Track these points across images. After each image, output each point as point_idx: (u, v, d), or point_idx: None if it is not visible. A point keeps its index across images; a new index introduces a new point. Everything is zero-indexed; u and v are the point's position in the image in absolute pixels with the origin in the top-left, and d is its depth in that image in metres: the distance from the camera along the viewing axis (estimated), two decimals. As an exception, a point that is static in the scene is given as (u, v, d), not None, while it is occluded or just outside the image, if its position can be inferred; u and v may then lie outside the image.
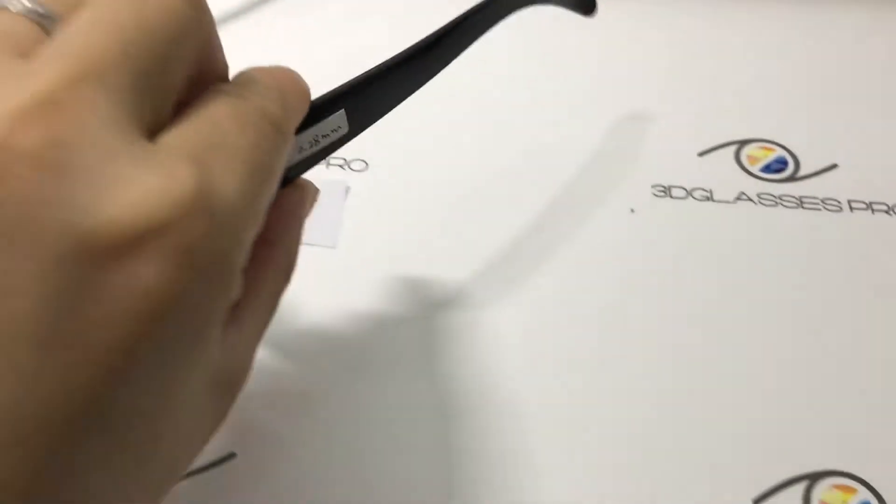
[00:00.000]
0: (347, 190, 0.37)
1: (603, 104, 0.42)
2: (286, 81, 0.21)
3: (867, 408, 0.31)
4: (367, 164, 0.38)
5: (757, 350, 0.32)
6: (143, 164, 0.16)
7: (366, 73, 0.25)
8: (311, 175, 0.37)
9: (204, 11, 0.19)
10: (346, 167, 0.38)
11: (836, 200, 0.38)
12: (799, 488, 0.28)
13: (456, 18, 0.28)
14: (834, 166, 0.40)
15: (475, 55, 0.45)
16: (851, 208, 0.38)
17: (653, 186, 0.38)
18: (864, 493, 0.29)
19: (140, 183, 0.16)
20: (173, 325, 0.16)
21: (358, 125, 0.26)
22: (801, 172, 0.40)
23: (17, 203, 0.15)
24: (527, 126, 0.41)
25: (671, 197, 0.38)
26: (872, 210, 0.38)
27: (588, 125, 0.41)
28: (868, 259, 0.36)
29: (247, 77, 0.20)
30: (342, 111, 0.25)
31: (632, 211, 0.37)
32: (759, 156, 0.41)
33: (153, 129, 0.17)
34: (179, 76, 0.18)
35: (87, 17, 0.17)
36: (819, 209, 0.38)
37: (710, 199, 0.38)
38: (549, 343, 0.32)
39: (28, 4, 0.18)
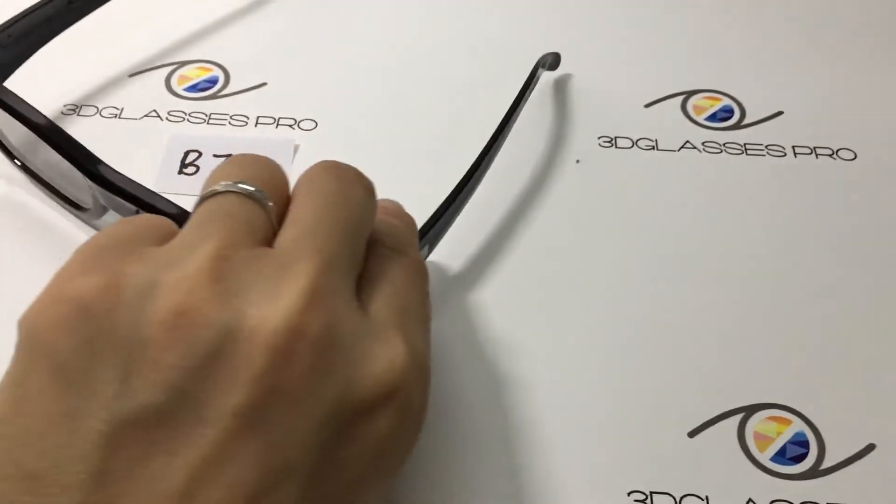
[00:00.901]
0: (296, 149, 0.37)
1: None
2: (408, 222, 0.27)
3: (800, 342, 0.31)
4: (316, 122, 0.39)
5: (695, 289, 0.33)
6: (374, 339, 0.21)
7: (441, 206, 0.30)
8: (260, 134, 0.38)
9: (374, 194, 0.25)
10: (295, 127, 0.38)
11: (780, 146, 0.39)
12: (734, 420, 0.29)
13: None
14: (779, 113, 0.40)
15: (414, 33, 0.45)
16: (795, 153, 0.39)
17: (599, 137, 0.39)
18: (799, 424, 0.29)
19: (377, 357, 0.21)
20: (391, 459, 0.21)
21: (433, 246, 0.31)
22: (747, 120, 0.40)
23: (302, 375, 0.19)
24: (470, 80, 0.41)
25: (616, 147, 0.39)
26: (816, 155, 0.39)
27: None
28: (810, 202, 0.36)
29: (391, 229, 0.25)
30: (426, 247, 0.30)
31: (577, 161, 0.38)
32: (705, 105, 0.41)
33: (354, 289, 0.22)
34: (364, 246, 0.23)
35: (312, 210, 0.22)
36: (763, 155, 0.39)
37: (654, 148, 0.39)
38: (501, 295, 0.33)
39: (252, 190, 0.22)
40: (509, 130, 0.35)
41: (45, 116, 0.31)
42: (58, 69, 0.39)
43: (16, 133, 0.33)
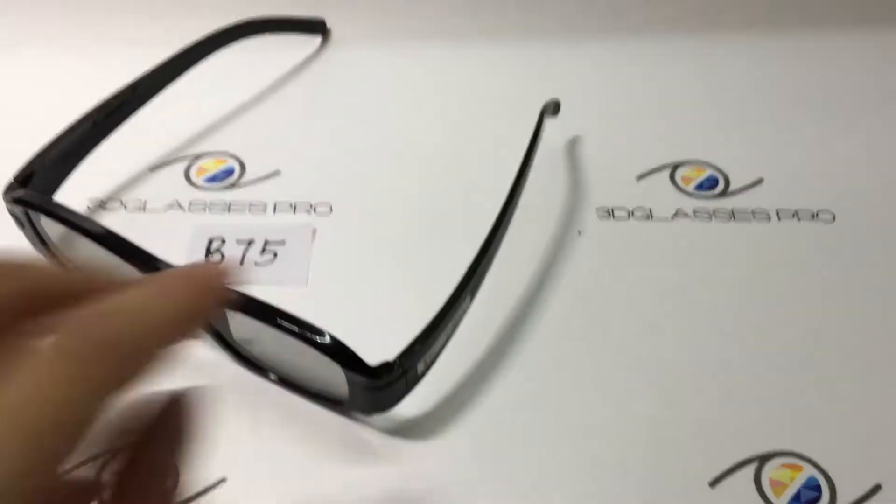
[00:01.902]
0: (314, 232, 0.39)
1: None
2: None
3: (809, 393, 0.34)
4: (331, 206, 0.41)
5: (705, 347, 0.35)
6: None
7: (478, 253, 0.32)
8: (278, 219, 0.40)
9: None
10: (311, 211, 0.41)
11: (764, 210, 0.42)
12: (750, 469, 0.31)
13: None
14: (760, 180, 0.44)
15: (412, 106, 0.49)
16: (780, 217, 0.42)
17: (596, 209, 0.42)
18: (810, 469, 0.31)
19: None
20: None
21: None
22: (732, 188, 0.43)
23: None
24: (471, 161, 0.44)
25: (614, 218, 0.41)
26: (798, 218, 0.42)
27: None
28: (801, 260, 0.39)
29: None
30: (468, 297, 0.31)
31: (579, 233, 0.40)
32: (692, 175, 0.44)
33: None
34: None
35: None
36: (749, 220, 0.41)
37: (649, 217, 0.41)
38: (513, 364, 0.35)
39: None
40: (518, 200, 0.37)
41: (101, 225, 0.32)
42: (83, 166, 0.41)
43: (59, 237, 0.35)
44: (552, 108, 0.43)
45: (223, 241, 0.39)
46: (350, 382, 0.30)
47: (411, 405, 0.32)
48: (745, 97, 0.49)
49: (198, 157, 0.43)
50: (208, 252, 0.38)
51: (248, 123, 0.45)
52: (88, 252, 0.36)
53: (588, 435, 0.32)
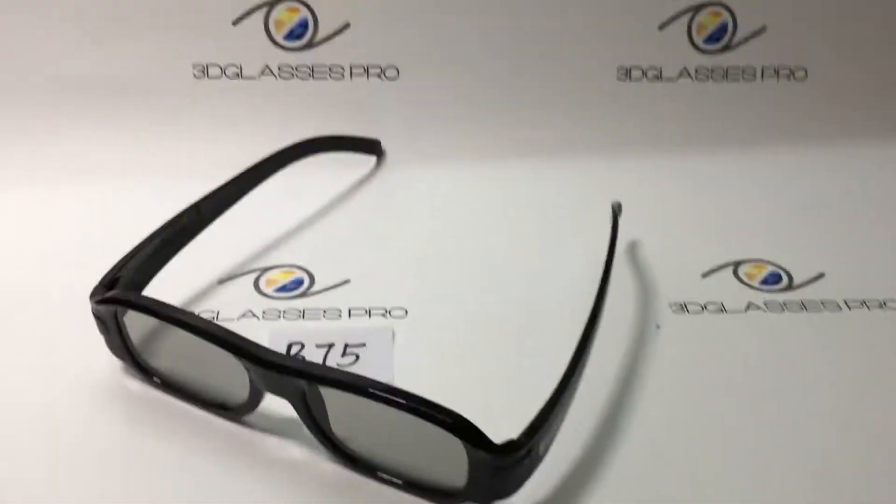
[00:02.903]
0: (394, 335, 0.39)
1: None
2: None
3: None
4: (406, 311, 0.41)
5: (793, 441, 0.34)
6: None
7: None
8: (356, 323, 0.39)
9: None
10: (387, 315, 0.40)
11: (833, 301, 0.42)
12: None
13: None
14: (822, 275, 0.44)
15: (473, 219, 0.50)
16: (849, 307, 0.42)
17: (669, 304, 0.42)
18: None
19: None
20: None
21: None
22: (796, 282, 0.44)
23: None
24: (537, 264, 0.44)
25: (688, 312, 0.41)
26: (867, 307, 0.42)
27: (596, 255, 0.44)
28: (876, 347, 0.39)
29: None
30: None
31: (658, 327, 0.40)
32: (755, 272, 0.45)
33: None
34: None
35: None
36: (821, 310, 0.42)
37: (722, 310, 0.42)
38: (619, 448, 0.33)
39: None
40: (607, 293, 0.37)
41: (200, 317, 0.32)
42: (153, 281, 0.40)
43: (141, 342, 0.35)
44: (618, 210, 0.44)
45: (302, 346, 0.38)
46: (472, 464, 0.28)
47: (524, 495, 0.30)
48: (794, 202, 0.50)
49: (265, 269, 0.43)
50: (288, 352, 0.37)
51: (312, 237, 0.46)
52: (170, 355, 0.36)
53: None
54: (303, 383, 0.30)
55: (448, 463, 0.29)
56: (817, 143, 0.55)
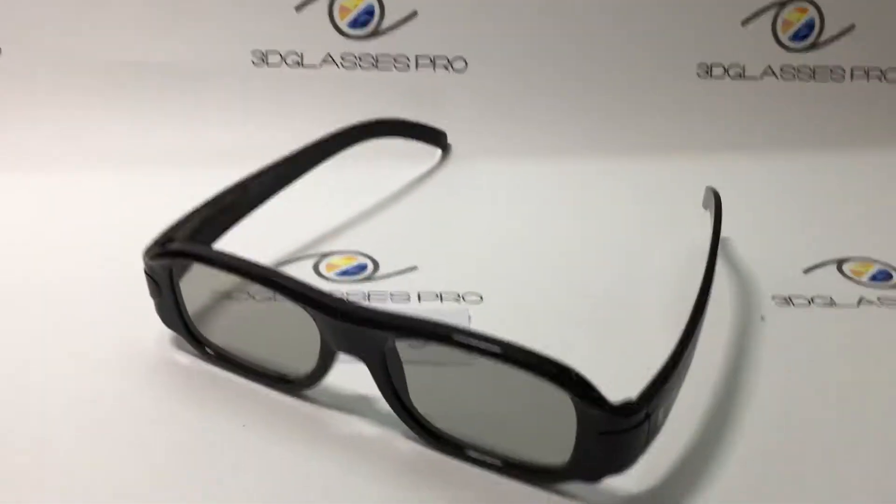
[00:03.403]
0: (469, 318, 0.35)
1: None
2: None
3: None
4: (481, 297, 0.37)
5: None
6: None
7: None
8: (429, 307, 0.36)
9: None
10: (460, 300, 0.37)
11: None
12: None
13: None
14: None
15: (544, 209, 0.46)
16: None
17: (772, 297, 0.38)
18: None
19: None
20: None
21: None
22: (908, 281, 0.40)
23: None
24: (628, 254, 0.41)
25: (794, 305, 0.37)
26: None
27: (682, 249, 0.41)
28: None
29: None
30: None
31: (762, 318, 0.36)
32: (861, 269, 0.41)
33: None
34: None
35: None
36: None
37: (831, 304, 0.38)
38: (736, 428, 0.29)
39: None
40: (712, 280, 0.33)
41: (264, 266, 0.29)
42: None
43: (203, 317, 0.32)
44: (714, 199, 0.40)
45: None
46: (581, 428, 0.24)
47: (638, 476, 0.26)
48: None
49: (325, 255, 0.40)
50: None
51: (374, 226, 0.42)
52: (227, 323, 0.32)
53: None
54: (384, 336, 0.26)
55: (551, 431, 0.25)
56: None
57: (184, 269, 0.31)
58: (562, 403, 0.24)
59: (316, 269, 0.39)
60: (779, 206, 0.46)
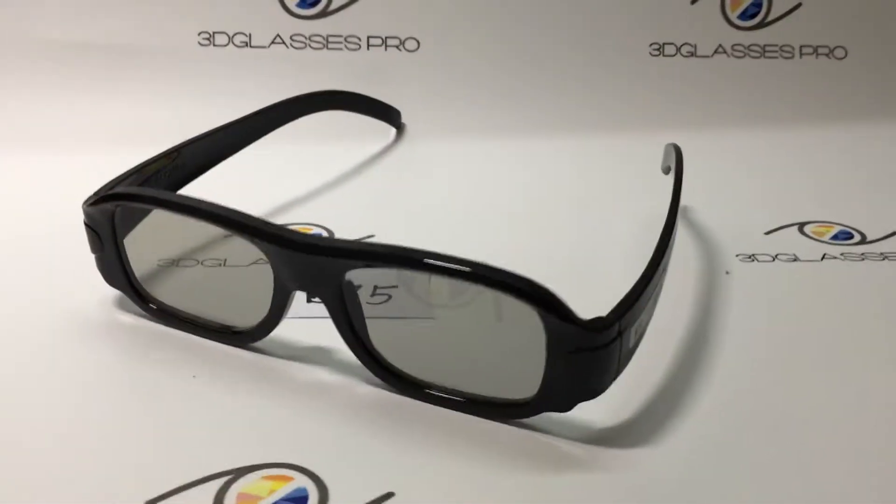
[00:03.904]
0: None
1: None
2: None
3: None
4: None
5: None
6: None
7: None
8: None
9: None
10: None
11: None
12: None
13: None
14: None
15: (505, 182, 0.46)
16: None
17: (736, 255, 0.37)
18: None
19: None
20: None
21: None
22: (869, 238, 0.39)
23: None
24: (588, 219, 0.40)
25: (758, 261, 0.37)
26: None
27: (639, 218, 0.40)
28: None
29: None
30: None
31: (727, 273, 0.36)
32: (823, 231, 0.40)
33: None
34: None
35: None
36: (902, 261, 0.37)
37: (795, 259, 0.37)
38: (703, 368, 0.28)
39: None
40: (677, 213, 0.32)
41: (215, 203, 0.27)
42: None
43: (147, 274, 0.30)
44: (675, 152, 0.39)
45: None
46: (552, 348, 0.23)
47: (601, 409, 0.25)
48: (844, 174, 0.47)
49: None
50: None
51: (330, 198, 0.41)
52: (172, 278, 0.31)
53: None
54: (344, 265, 0.25)
55: (519, 362, 0.24)
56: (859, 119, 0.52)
57: (126, 224, 0.30)
58: (530, 324, 0.23)
59: (268, 238, 0.37)
60: (735, 179, 0.46)
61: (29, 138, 0.45)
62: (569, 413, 0.24)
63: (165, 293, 0.30)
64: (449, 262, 0.23)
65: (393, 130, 0.47)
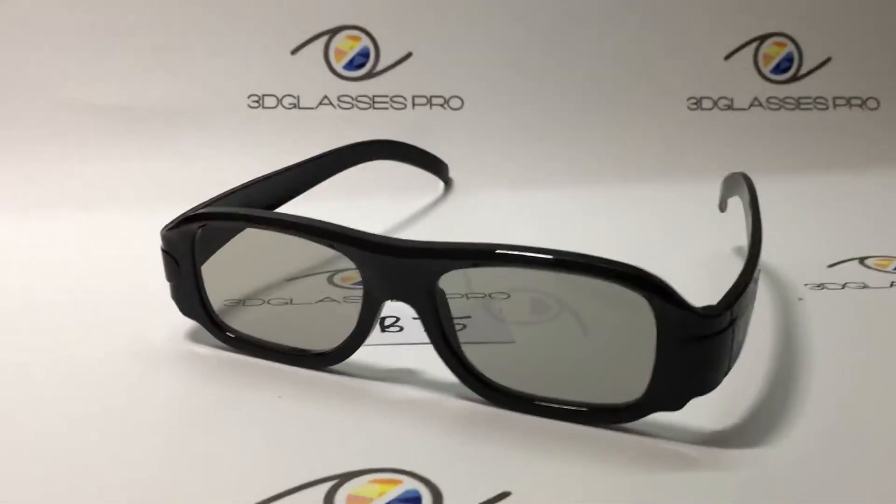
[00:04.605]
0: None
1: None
2: None
3: None
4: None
5: None
6: None
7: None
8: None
9: None
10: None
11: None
12: None
13: None
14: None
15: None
16: None
17: (805, 284, 0.37)
18: None
19: None
20: None
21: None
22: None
23: None
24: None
25: (827, 289, 0.37)
26: None
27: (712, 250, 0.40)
28: None
29: None
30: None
31: (800, 300, 0.35)
32: (885, 264, 0.40)
33: None
34: None
35: None
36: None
37: (865, 287, 0.37)
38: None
39: None
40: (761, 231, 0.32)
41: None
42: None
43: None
44: (743, 179, 0.39)
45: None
46: (662, 337, 0.22)
47: (708, 413, 0.24)
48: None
49: (339, 270, 0.38)
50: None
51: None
52: (251, 307, 0.30)
53: None
54: (439, 266, 0.24)
55: (624, 359, 0.24)
56: None
57: (205, 252, 0.29)
58: (640, 316, 0.22)
59: (330, 281, 0.37)
60: (786, 220, 0.46)
61: (87, 198, 0.45)
62: (677, 418, 0.24)
63: (240, 324, 0.29)
64: (553, 255, 0.23)
65: (441, 184, 0.48)
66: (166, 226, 0.29)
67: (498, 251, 0.24)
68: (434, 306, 0.25)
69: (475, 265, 0.24)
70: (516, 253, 0.23)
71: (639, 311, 0.22)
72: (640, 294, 0.22)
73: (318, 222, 0.26)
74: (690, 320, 0.22)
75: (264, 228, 0.27)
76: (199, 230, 0.28)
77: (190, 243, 0.28)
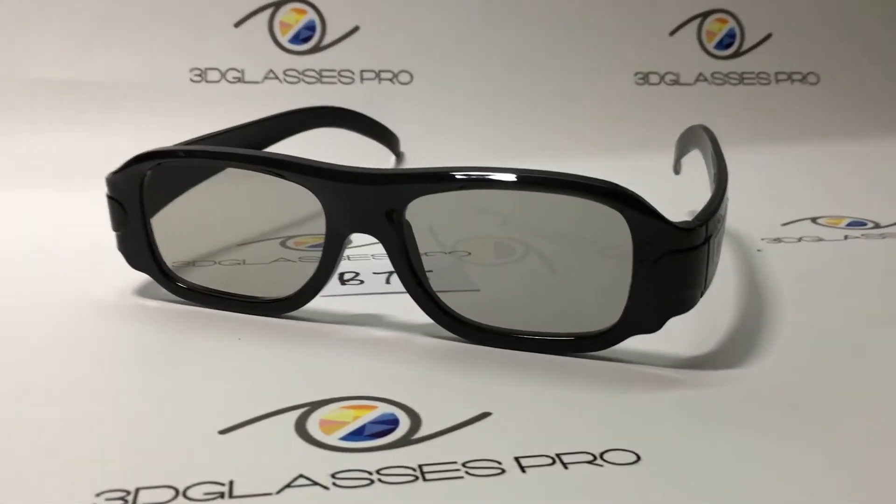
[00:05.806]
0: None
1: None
2: None
3: None
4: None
5: None
6: None
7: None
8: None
9: None
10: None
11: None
12: None
13: None
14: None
15: None
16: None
17: (761, 238, 0.37)
18: None
19: None
20: None
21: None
22: (883, 224, 0.40)
23: None
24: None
25: (784, 242, 0.37)
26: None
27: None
28: None
29: None
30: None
31: (759, 251, 0.35)
32: (836, 222, 0.41)
33: None
34: None
35: None
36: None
37: (820, 240, 0.37)
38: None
39: None
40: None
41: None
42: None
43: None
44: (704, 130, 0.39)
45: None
46: (639, 253, 0.21)
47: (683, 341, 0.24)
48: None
49: (290, 237, 0.37)
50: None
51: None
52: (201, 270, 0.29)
53: None
54: (410, 190, 0.23)
55: (599, 283, 0.23)
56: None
57: (153, 203, 0.28)
58: (614, 232, 0.22)
59: (284, 244, 0.36)
60: (736, 187, 0.46)
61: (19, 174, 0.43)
62: (655, 346, 0.23)
63: (192, 279, 0.28)
64: (526, 174, 0.22)
65: (392, 157, 0.47)
66: (112, 171, 0.27)
67: (471, 173, 0.23)
68: (401, 237, 0.24)
69: (445, 189, 0.23)
70: (495, 177, 0.23)
71: (614, 229, 0.22)
72: (615, 209, 0.22)
73: (279, 155, 0.25)
74: (668, 233, 0.21)
75: (219, 163, 0.26)
76: (149, 172, 0.27)
77: (138, 188, 0.27)
